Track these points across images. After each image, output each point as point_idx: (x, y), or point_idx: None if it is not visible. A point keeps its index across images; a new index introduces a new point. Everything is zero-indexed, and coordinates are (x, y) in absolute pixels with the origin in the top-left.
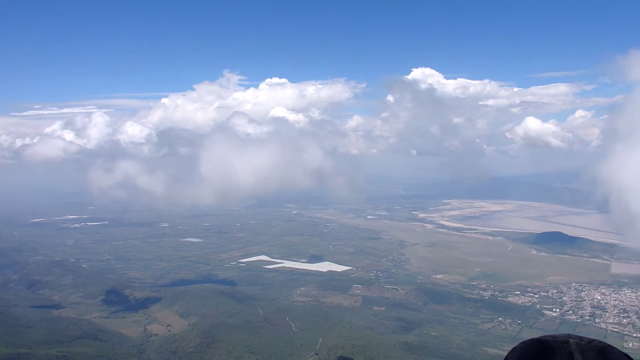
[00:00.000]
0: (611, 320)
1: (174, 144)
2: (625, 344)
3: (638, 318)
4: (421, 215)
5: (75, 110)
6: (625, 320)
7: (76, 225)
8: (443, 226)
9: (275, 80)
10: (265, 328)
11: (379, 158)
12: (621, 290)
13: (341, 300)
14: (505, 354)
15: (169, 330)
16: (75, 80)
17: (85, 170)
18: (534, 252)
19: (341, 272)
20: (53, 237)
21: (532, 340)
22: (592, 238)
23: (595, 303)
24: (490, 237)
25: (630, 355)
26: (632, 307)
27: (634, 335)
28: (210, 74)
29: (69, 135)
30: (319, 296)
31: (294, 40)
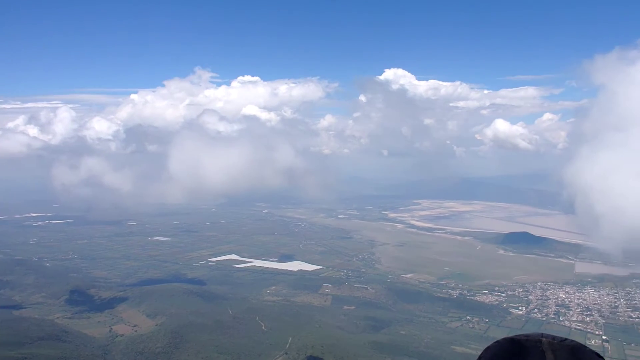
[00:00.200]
0: (575, 319)
1: (143, 140)
2: (587, 342)
3: (600, 316)
4: (392, 215)
5: (40, 104)
6: (588, 319)
7: (39, 223)
8: (413, 226)
9: (248, 78)
10: (234, 328)
11: (350, 158)
12: (584, 289)
13: (311, 300)
14: (473, 352)
15: (136, 331)
16: (40, 74)
17: (50, 166)
18: (502, 251)
19: (312, 271)
20: (15, 236)
21: (505, 339)
22: (557, 238)
23: (559, 302)
24: (459, 237)
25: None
26: (595, 306)
27: (596, 332)
28: (181, 70)
29: (32, 131)
30: (289, 295)
31: (267, 38)
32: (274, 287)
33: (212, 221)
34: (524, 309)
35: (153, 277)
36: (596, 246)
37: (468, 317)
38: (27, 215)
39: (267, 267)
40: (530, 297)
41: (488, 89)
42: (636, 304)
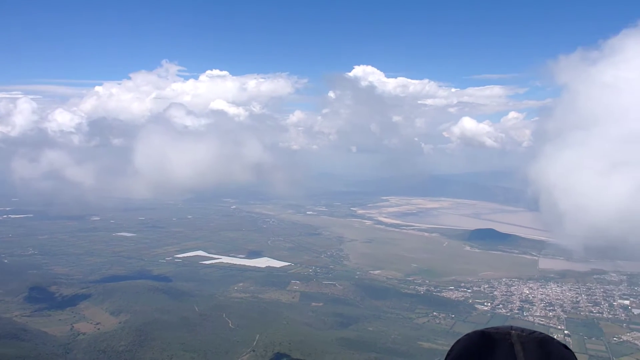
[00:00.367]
0: (538, 314)
1: (107, 134)
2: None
3: (562, 311)
4: (360, 211)
5: None
6: (550, 314)
7: None
8: (381, 222)
9: (216, 72)
10: (201, 325)
11: (319, 154)
12: (547, 285)
13: (279, 296)
14: (439, 347)
15: (99, 329)
16: None
17: (9, 159)
18: (468, 248)
19: (280, 267)
20: None
21: (476, 332)
22: (522, 235)
23: (523, 297)
24: (426, 234)
25: None
26: (557, 301)
27: (559, 327)
28: (147, 63)
29: None
30: (257, 292)
31: (236, 32)
32: (241, 284)
33: (178, 217)
34: (489, 304)
35: (117, 273)
36: (559, 242)
37: (435, 313)
38: None
39: (235, 264)
40: (495, 292)
41: (455, 88)
42: (596, 299)
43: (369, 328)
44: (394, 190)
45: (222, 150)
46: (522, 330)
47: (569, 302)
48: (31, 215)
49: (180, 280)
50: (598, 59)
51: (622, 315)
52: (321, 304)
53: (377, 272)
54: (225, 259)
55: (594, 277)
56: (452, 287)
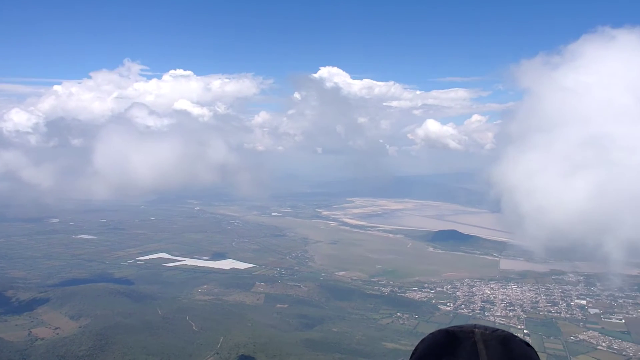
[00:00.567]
0: (499, 314)
1: (66, 134)
2: None
3: (522, 311)
4: (325, 212)
5: None
6: (511, 313)
7: None
8: (346, 224)
9: (180, 72)
10: (163, 328)
11: (285, 155)
12: (508, 285)
13: (244, 298)
14: (403, 348)
15: (58, 334)
16: None
17: None
18: (431, 249)
19: (244, 269)
20: None
21: (440, 331)
22: (484, 236)
23: (485, 297)
24: (391, 235)
25: None
26: (517, 301)
27: (519, 327)
28: (109, 61)
29: None
30: (221, 294)
31: (200, 31)
32: (205, 286)
33: (141, 219)
34: (451, 305)
35: (77, 277)
36: (520, 244)
37: (399, 314)
38: None
39: (199, 266)
40: (457, 293)
41: (420, 90)
42: (555, 299)
43: (333, 329)
44: (359, 191)
45: (186, 150)
46: (486, 328)
47: (529, 302)
48: None
49: (142, 283)
50: (559, 64)
51: (579, 314)
52: (286, 305)
53: (342, 273)
54: (189, 261)
55: (553, 277)
56: (416, 288)
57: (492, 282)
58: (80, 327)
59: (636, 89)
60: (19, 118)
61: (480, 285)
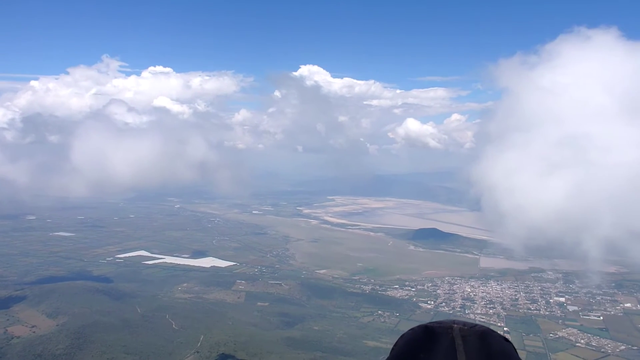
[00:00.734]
0: (479, 311)
1: (42, 130)
2: None
3: (502, 309)
4: (306, 211)
5: None
6: (491, 311)
7: None
8: (327, 222)
9: (159, 69)
10: (143, 327)
11: (265, 153)
12: (488, 283)
13: (224, 297)
14: (384, 346)
15: (34, 332)
16: None
17: None
18: (412, 247)
19: (225, 267)
20: None
21: (420, 326)
22: (464, 234)
23: (465, 295)
24: (372, 233)
25: None
26: (497, 299)
27: (499, 324)
28: (87, 57)
29: None
30: (202, 292)
31: (180, 28)
32: (185, 284)
33: (120, 216)
34: (432, 302)
35: (55, 274)
36: (500, 242)
37: (380, 312)
38: None
39: (179, 264)
40: (438, 291)
41: (400, 89)
42: (534, 296)
43: (314, 327)
44: (340, 189)
45: (165, 148)
46: (464, 324)
47: (509, 299)
48: None
49: (121, 281)
50: (536, 64)
51: (558, 312)
52: (267, 303)
53: (323, 271)
54: (169, 259)
55: (532, 275)
56: (397, 286)
57: (473, 280)
58: (57, 325)
59: (612, 89)
60: None
61: (460, 283)
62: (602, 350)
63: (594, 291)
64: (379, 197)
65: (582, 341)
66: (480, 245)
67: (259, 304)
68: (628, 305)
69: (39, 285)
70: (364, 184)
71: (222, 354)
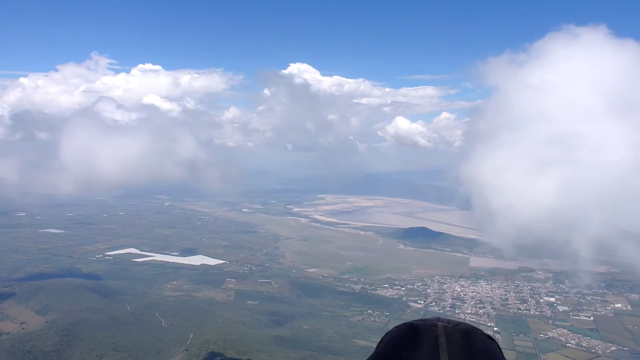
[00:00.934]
0: (469, 311)
1: (31, 127)
2: None
3: (492, 308)
4: (296, 209)
5: None
6: (481, 311)
7: None
8: (317, 220)
9: (149, 66)
10: (132, 324)
11: (255, 151)
12: (478, 283)
13: (214, 295)
14: (374, 345)
15: (23, 328)
16: None
17: None
18: (402, 246)
19: (215, 265)
20: None
21: (405, 324)
22: (454, 233)
23: (455, 295)
24: (361, 232)
25: None
26: (487, 298)
27: (489, 324)
28: (76, 54)
29: None
30: (191, 290)
31: (169, 25)
32: (175, 282)
33: (109, 213)
34: (422, 302)
35: (44, 271)
36: (489, 241)
37: (369, 311)
38: None
39: (168, 262)
40: (428, 290)
41: (390, 87)
42: (524, 296)
43: (304, 326)
44: (330, 188)
45: (154, 145)
46: (449, 322)
47: (499, 299)
48: None
49: (111, 278)
50: (525, 62)
51: (548, 312)
52: (256, 302)
53: (312, 270)
54: (159, 257)
55: (522, 274)
56: (387, 285)
57: (462, 280)
58: (46, 322)
59: (600, 87)
60: None
61: (450, 283)
62: (593, 350)
63: (584, 291)
64: (368, 196)
65: (572, 341)
66: (470, 245)
67: (248, 302)
68: (618, 305)
69: (28, 282)
70: (353, 183)
71: (212, 352)
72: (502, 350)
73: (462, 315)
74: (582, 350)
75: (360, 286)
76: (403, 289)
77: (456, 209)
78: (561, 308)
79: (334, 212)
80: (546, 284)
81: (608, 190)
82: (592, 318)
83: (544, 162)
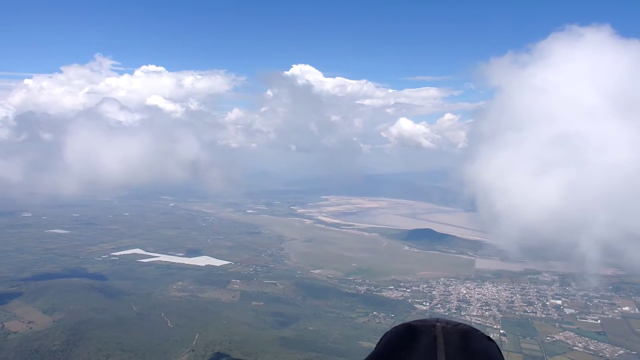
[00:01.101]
0: (475, 313)
1: (36, 128)
2: None
3: (498, 311)
4: (300, 210)
5: None
6: (487, 313)
7: None
8: (321, 222)
9: (152, 67)
10: (138, 324)
11: (258, 152)
12: (484, 285)
13: (219, 295)
14: None
15: (31, 328)
16: None
17: None
18: (406, 248)
19: (220, 266)
20: None
21: (403, 325)
22: (458, 235)
23: (461, 297)
24: (366, 233)
25: None
26: (493, 301)
27: (495, 327)
28: (80, 56)
29: None
30: (197, 291)
31: (173, 27)
32: (180, 283)
33: (114, 214)
34: (427, 304)
35: (50, 271)
36: (495, 243)
37: (375, 313)
38: None
39: (174, 262)
40: (433, 292)
41: (392, 89)
42: (530, 298)
43: (309, 327)
44: (334, 189)
45: (158, 146)
46: (447, 322)
47: (505, 301)
48: None
49: (116, 278)
50: (528, 62)
51: (555, 314)
52: (261, 303)
53: (317, 271)
54: (164, 258)
55: (528, 277)
56: (392, 287)
57: (468, 282)
58: (53, 321)
59: (604, 87)
60: None
61: (456, 285)
62: (600, 354)
63: (591, 294)
64: (372, 197)
65: (579, 345)
66: (475, 246)
67: (253, 303)
68: (626, 308)
69: (34, 282)
70: (357, 184)
71: (217, 352)
72: (509, 352)
73: (468, 318)
74: (590, 353)
75: (365, 288)
76: (408, 290)
77: (460, 211)
78: (568, 311)
79: (338, 213)
80: (552, 287)
81: (613, 191)
82: (599, 321)
83: (548, 162)
